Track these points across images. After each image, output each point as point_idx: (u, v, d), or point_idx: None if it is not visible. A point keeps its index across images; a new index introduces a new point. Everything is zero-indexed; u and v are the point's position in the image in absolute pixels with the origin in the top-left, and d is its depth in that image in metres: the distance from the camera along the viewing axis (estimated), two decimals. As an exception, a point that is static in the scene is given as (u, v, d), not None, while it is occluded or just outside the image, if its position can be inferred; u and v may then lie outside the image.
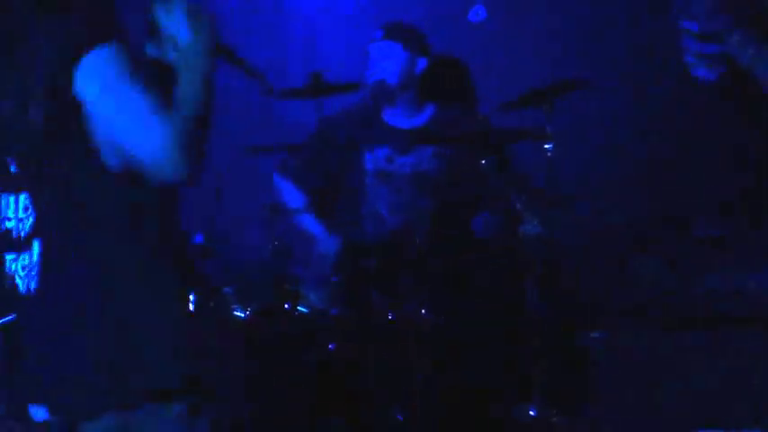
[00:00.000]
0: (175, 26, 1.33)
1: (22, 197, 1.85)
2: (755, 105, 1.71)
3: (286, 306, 2.46)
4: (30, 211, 1.81)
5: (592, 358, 2.22)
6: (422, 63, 2.86)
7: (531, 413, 2.33)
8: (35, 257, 1.79)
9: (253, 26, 3.17)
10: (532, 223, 2.42)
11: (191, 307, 2.30)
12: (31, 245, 1.82)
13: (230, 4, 3.13)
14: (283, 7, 3.27)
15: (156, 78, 1.25)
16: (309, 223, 2.85)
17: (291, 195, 2.87)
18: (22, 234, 1.85)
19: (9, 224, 1.88)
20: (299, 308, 2.48)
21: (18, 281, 1.85)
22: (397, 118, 2.89)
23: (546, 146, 2.49)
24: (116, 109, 1.19)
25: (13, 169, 1.71)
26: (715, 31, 1.53)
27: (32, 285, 1.80)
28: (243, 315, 2.47)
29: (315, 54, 3.19)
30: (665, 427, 2.08)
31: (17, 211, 1.88)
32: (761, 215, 2.44)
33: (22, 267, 1.85)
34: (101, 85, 1.19)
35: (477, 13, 2.59)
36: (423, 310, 2.36)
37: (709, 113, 2.63)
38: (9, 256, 1.86)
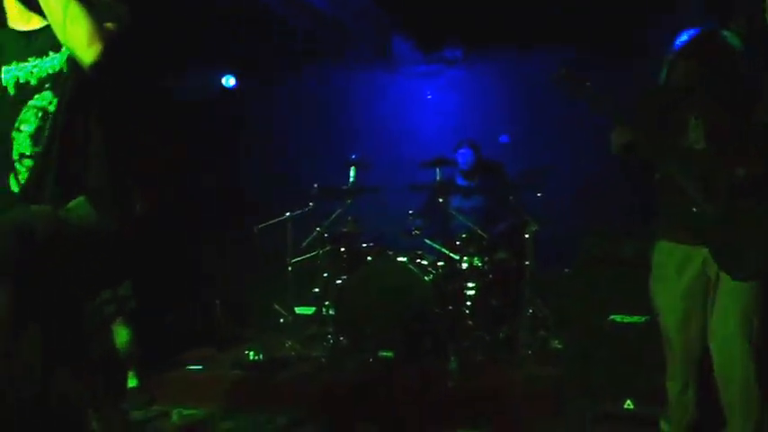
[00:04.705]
0: None
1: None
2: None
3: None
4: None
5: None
6: (477, 156, 5.92)
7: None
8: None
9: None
10: (534, 227, 5.32)
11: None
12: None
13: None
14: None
15: None
16: None
17: None
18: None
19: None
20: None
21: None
22: (465, 181, 5.92)
23: (538, 194, 5.45)
24: None
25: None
26: None
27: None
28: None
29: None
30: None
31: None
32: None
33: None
34: None
35: (504, 139, 5.58)
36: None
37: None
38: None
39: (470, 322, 5.15)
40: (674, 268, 2.97)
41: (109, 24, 2.27)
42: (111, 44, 2.21)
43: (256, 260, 6.23)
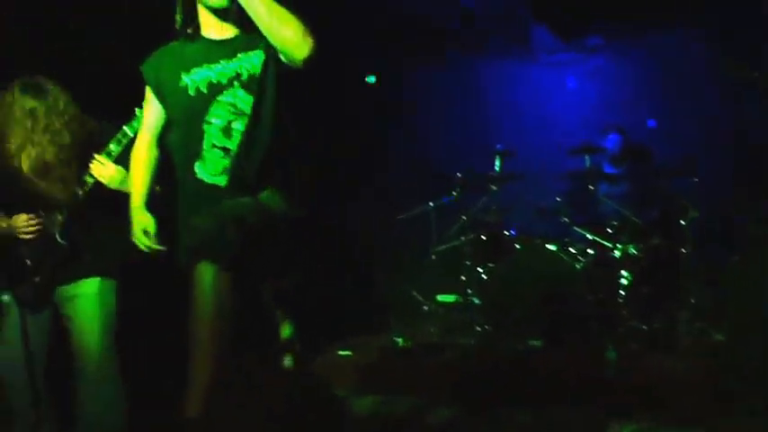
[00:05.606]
0: None
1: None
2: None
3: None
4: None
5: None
6: (625, 142, 5.76)
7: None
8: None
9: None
10: (694, 214, 5.09)
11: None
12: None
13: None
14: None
15: None
16: None
17: None
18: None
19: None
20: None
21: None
22: (613, 168, 5.76)
23: (695, 179, 5.21)
24: None
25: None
26: None
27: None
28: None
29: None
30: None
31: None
32: None
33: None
34: None
35: (652, 124, 5.38)
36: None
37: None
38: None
39: (624, 311, 5.00)
40: None
41: None
42: (316, 38, 2.35)
43: (399, 249, 6.32)
